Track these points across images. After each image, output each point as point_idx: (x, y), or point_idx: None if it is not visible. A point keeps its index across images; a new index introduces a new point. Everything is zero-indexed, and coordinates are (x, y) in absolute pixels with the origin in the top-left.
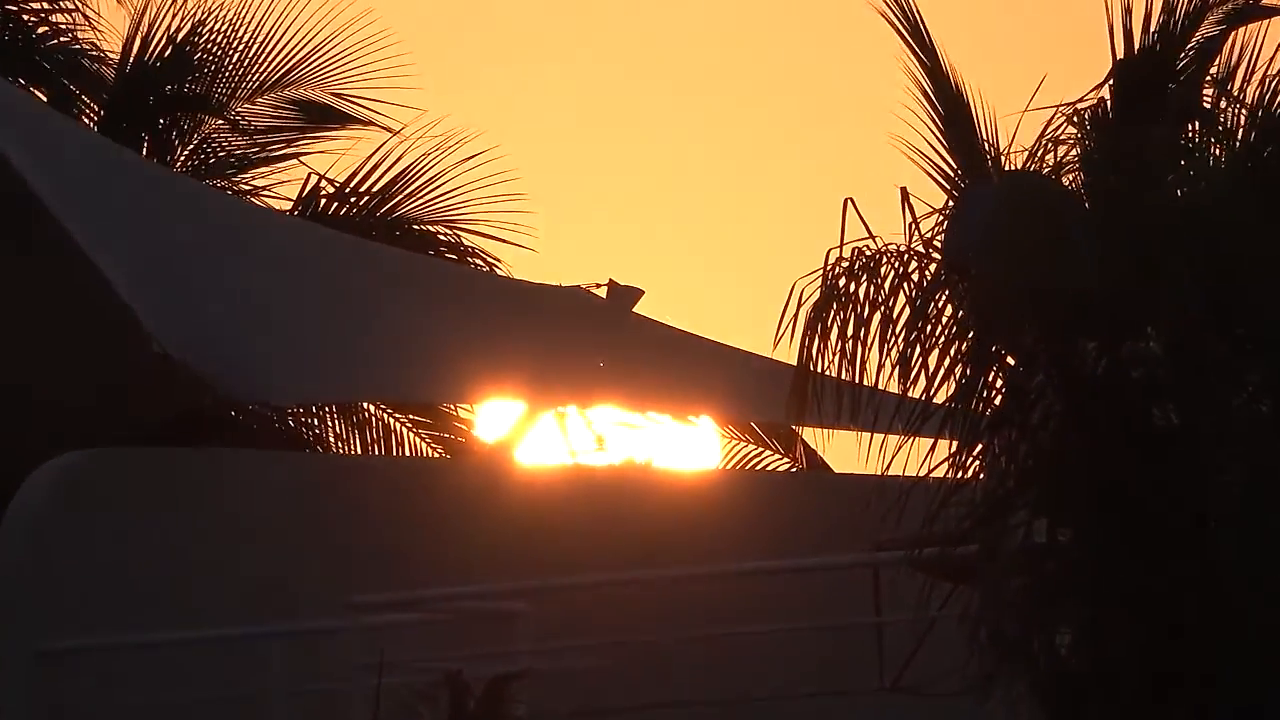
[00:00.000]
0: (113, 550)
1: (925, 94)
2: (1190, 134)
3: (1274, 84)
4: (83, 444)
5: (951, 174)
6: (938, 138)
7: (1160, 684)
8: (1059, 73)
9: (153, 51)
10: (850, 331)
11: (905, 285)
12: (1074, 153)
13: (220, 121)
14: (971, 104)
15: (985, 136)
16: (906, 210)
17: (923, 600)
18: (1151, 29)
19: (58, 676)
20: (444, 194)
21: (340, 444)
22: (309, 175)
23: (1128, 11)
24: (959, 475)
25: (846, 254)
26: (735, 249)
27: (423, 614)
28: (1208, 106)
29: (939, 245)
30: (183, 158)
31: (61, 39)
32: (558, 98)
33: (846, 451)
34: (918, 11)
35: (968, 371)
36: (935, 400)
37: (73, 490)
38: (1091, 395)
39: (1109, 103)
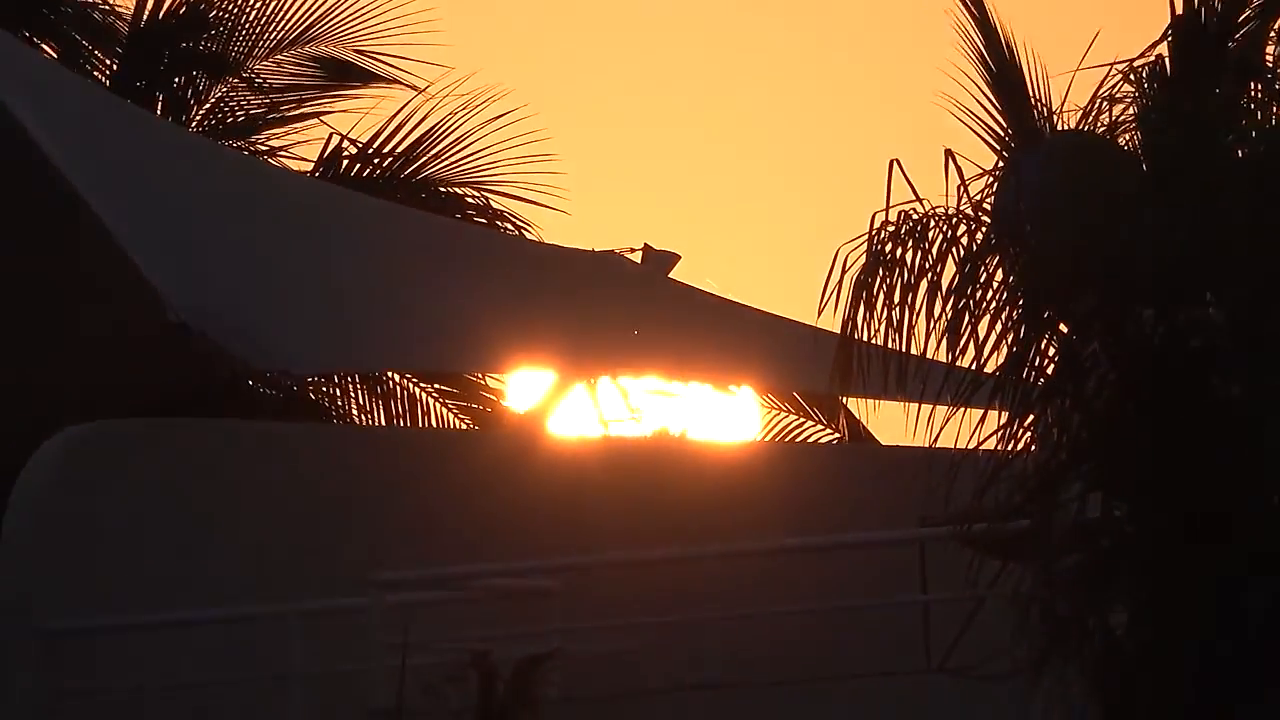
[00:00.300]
0: (122, 527)
1: (975, 51)
2: (1252, 93)
3: None
4: (94, 417)
5: (1001, 135)
6: (987, 97)
7: (1219, 667)
8: (1113, 29)
9: (168, 5)
10: (897, 298)
11: (954, 249)
12: (1130, 112)
13: (237, 80)
14: (1022, 61)
15: (1037, 95)
16: (954, 171)
17: (971, 578)
18: None
19: (63, 657)
20: (471, 155)
21: (364, 415)
22: (330, 136)
23: None
24: (1009, 448)
25: (892, 218)
26: (775, 212)
27: (449, 592)
28: (1270, 64)
29: (989, 208)
30: (198, 117)
31: None
32: (589, 55)
33: (893, 423)
34: None
35: (1019, 339)
36: (985, 369)
37: (81, 464)
38: (1148, 365)
39: (1167, 60)
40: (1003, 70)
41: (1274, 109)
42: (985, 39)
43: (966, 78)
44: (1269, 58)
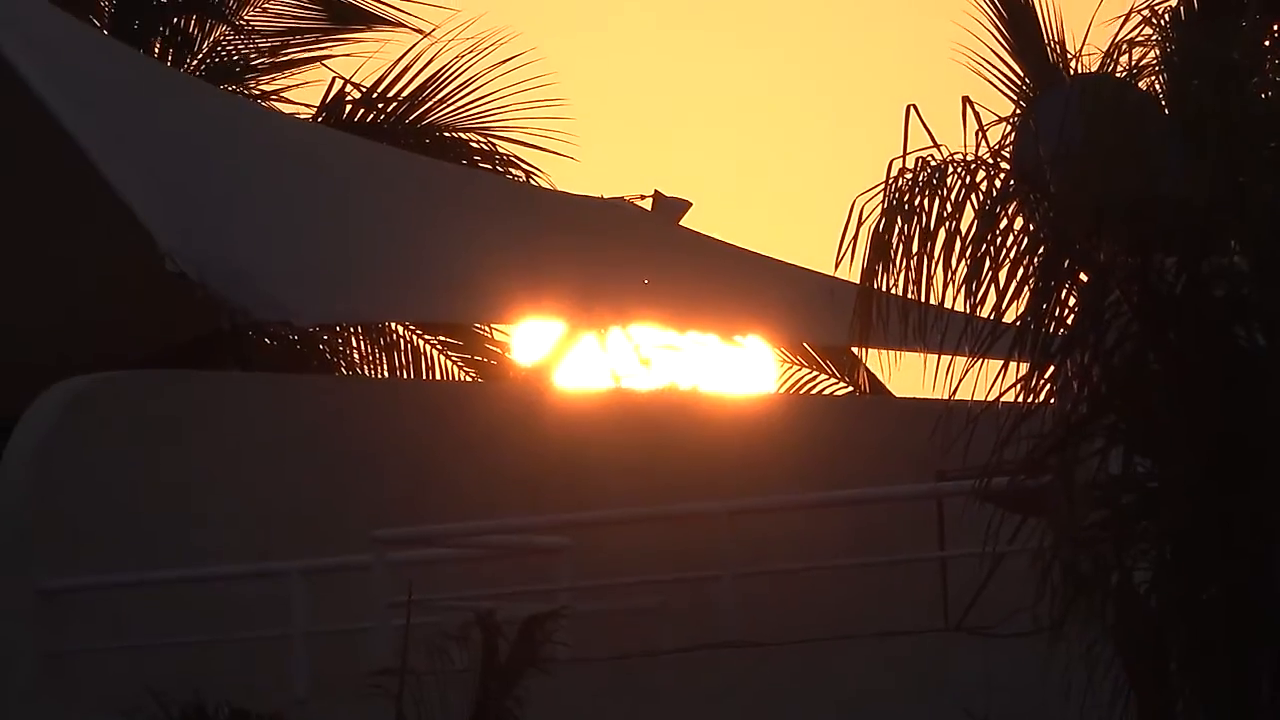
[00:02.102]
0: (122, 481)
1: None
2: (1276, 33)
3: None
4: (92, 368)
5: (1018, 82)
6: (1003, 43)
7: (1246, 624)
8: None
9: None
10: (915, 247)
11: (973, 197)
12: (1152, 55)
13: (238, 22)
14: (1038, 7)
15: (1053, 41)
16: (972, 120)
17: (990, 534)
18: None
19: (60, 616)
20: (478, 99)
21: (366, 366)
22: (333, 80)
23: None
24: (1030, 400)
25: (910, 165)
26: (789, 159)
27: (454, 549)
28: None
29: (1008, 155)
30: (196, 61)
31: None
32: None
33: (910, 375)
34: None
35: (1039, 289)
36: (1005, 320)
37: (80, 417)
38: (1171, 314)
39: (1190, 1)
40: (1017, 17)
41: None
42: None
43: (982, 26)
44: None
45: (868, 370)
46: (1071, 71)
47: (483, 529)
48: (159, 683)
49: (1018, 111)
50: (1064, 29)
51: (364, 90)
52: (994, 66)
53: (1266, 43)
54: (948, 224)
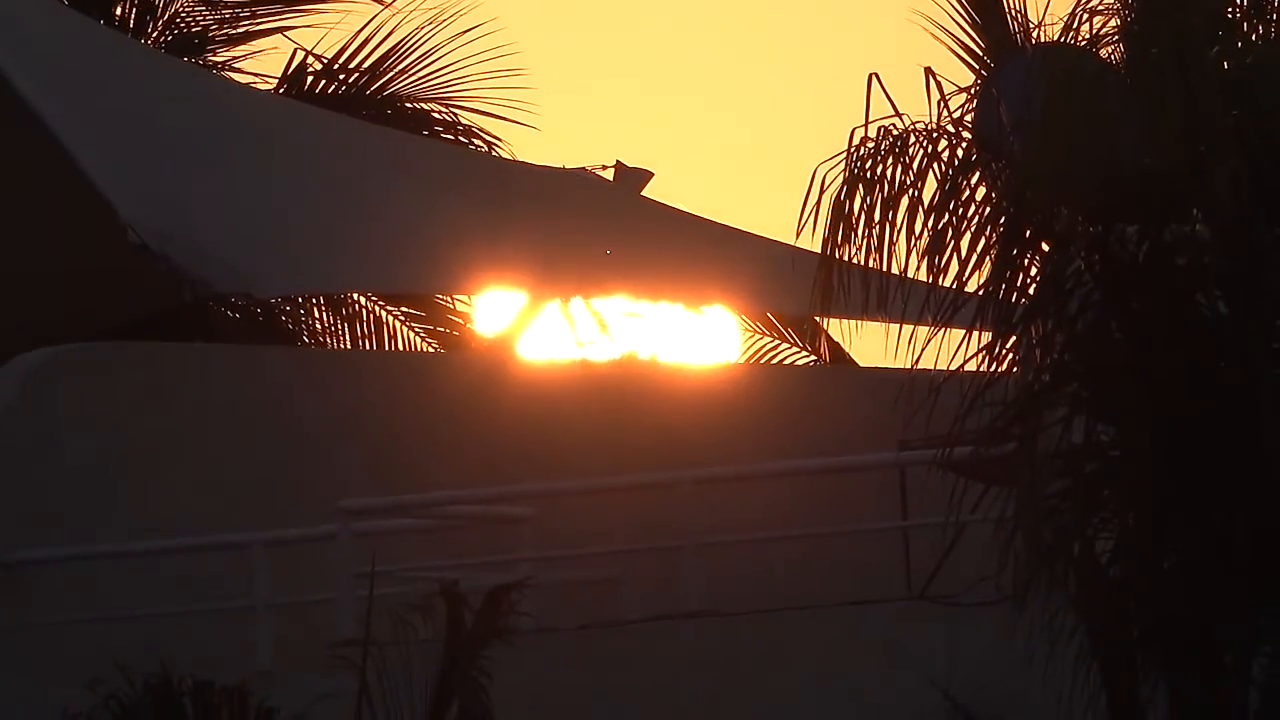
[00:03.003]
0: (85, 453)
1: None
2: (1237, 2)
3: None
4: (52, 341)
5: (978, 53)
6: (961, 14)
7: (1208, 593)
8: None
9: None
10: (877, 216)
11: (935, 166)
12: (1112, 24)
13: None
14: None
15: (1014, 9)
16: (934, 89)
17: (953, 503)
18: None
19: (23, 589)
20: (439, 70)
21: (328, 337)
22: (294, 51)
23: None
24: (992, 369)
25: (872, 134)
26: (750, 129)
27: (418, 520)
28: None
29: (970, 124)
30: (154, 33)
31: None
32: None
33: (873, 344)
34: None
35: (1001, 258)
36: (967, 289)
37: (41, 390)
38: (1132, 282)
39: None
40: None
41: (1260, 17)
42: None
43: None
44: None
45: (830, 339)
46: (1029, 40)
47: (446, 499)
48: (123, 654)
49: (979, 81)
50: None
51: (325, 61)
52: (954, 35)
53: (1227, 11)
54: (909, 192)
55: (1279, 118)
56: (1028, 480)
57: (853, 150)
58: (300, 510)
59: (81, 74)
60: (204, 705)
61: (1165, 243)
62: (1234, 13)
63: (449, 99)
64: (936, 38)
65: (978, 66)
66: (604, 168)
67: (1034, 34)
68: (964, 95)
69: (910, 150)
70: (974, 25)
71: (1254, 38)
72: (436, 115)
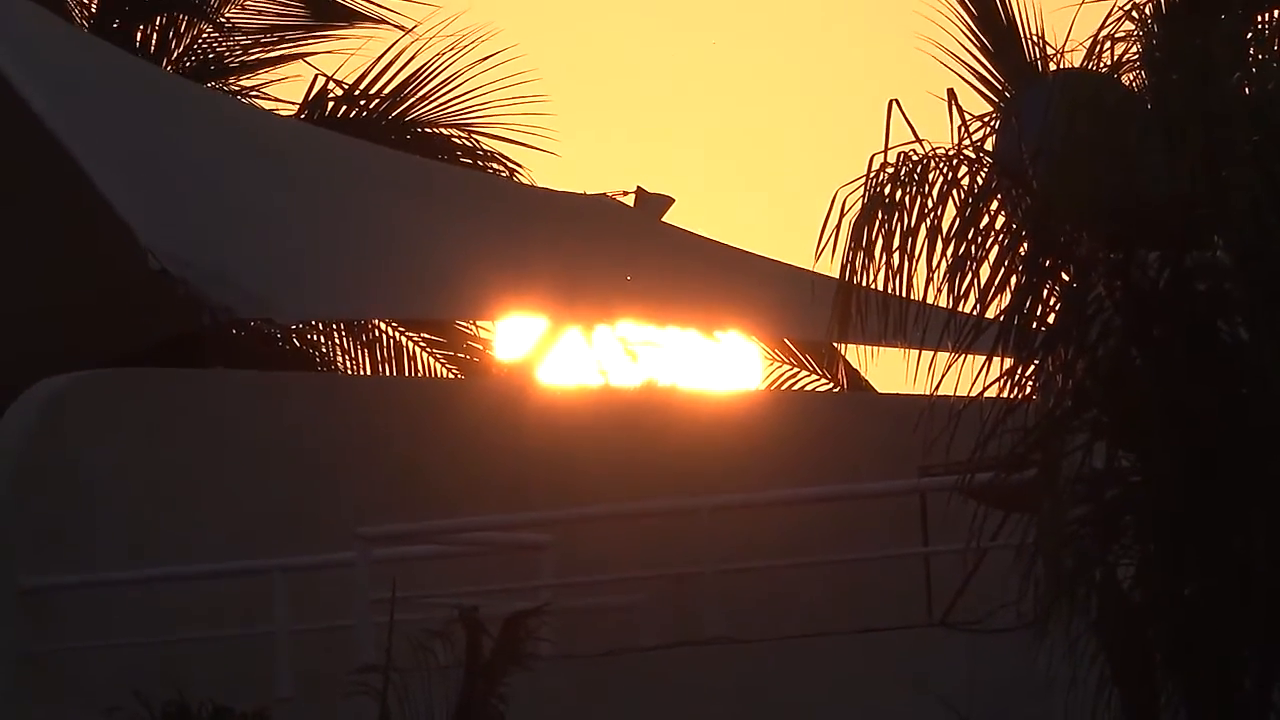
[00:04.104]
0: (103, 479)
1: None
2: (1261, 25)
3: None
4: (71, 367)
5: (993, 81)
6: (974, 42)
7: (1229, 619)
8: None
9: None
10: (896, 242)
11: (955, 192)
12: (1133, 50)
13: (218, 19)
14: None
15: (1029, 36)
16: (955, 115)
17: (974, 530)
18: None
19: (42, 616)
20: (459, 96)
21: (348, 363)
22: (315, 77)
23: None
24: (1013, 395)
25: (891, 159)
26: (770, 156)
27: (437, 546)
28: None
29: (990, 150)
30: (177, 57)
31: None
32: None
33: (892, 371)
34: None
35: (1021, 284)
36: (987, 315)
37: (61, 415)
38: (1154, 309)
39: None
40: (988, 17)
41: None
42: None
43: (955, 26)
44: None
45: (849, 365)
46: (1053, 67)
47: (466, 526)
48: (141, 682)
49: (1001, 105)
50: (1041, 22)
51: (346, 87)
52: (968, 65)
53: (1248, 36)
54: (929, 218)
55: None
56: (1049, 506)
57: (872, 175)
58: (319, 536)
59: (101, 99)
60: None
61: (1186, 269)
62: (1254, 38)
63: (469, 125)
64: (950, 68)
65: (993, 95)
66: (624, 193)
67: (1054, 61)
68: (983, 122)
69: (930, 177)
70: (987, 53)
71: (1275, 64)
72: (457, 141)
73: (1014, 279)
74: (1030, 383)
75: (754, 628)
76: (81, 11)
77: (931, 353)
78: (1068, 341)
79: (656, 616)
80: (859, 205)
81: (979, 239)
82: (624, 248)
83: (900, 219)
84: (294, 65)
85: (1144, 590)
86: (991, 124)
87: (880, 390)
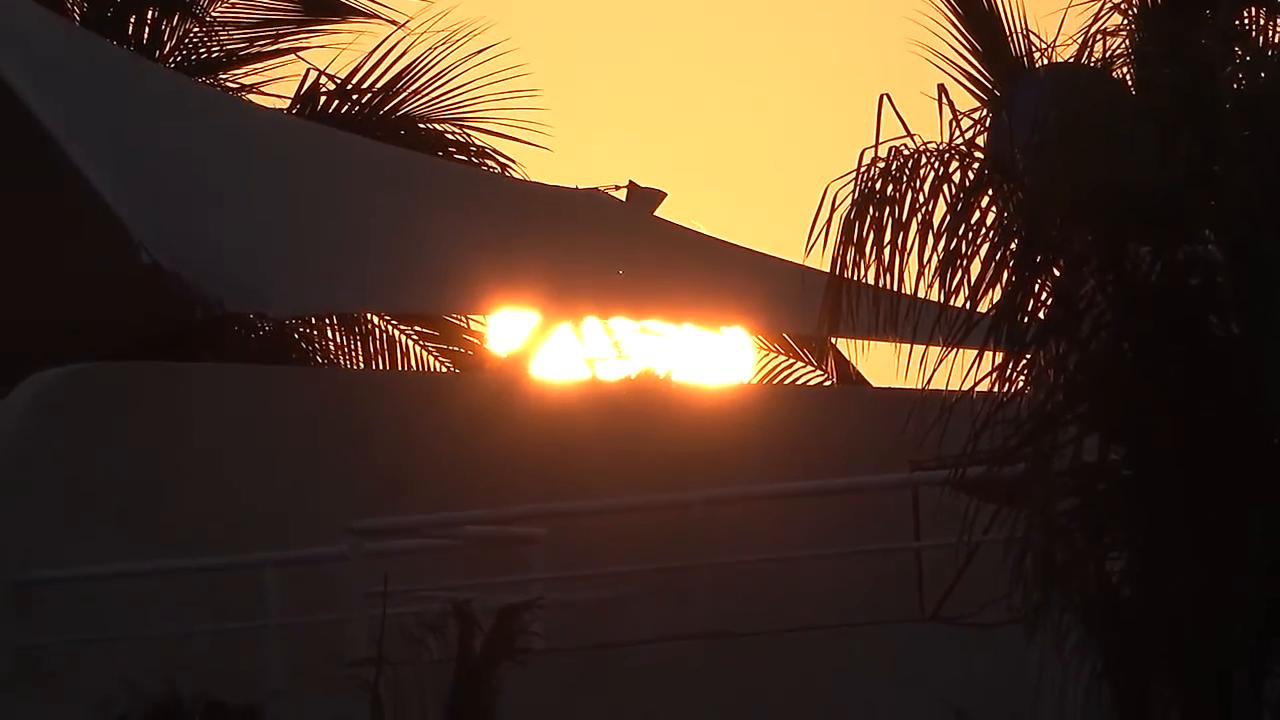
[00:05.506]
0: (96, 473)
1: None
2: (1249, 19)
3: None
4: (65, 361)
5: (980, 78)
6: (961, 40)
7: (1219, 613)
8: None
9: None
10: (888, 236)
11: (946, 187)
12: (1124, 45)
13: (211, 14)
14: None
15: (1013, 30)
16: (946, 109)
17: (966, 524)
18: None
19: (35, 609)
20: (452, 90)
21: (341, 357)
22: (307, 71)
23: None
24: (1004, 390)
25: (883, 154)
26: (761, 151)
27: (430, 540)
28: None
29: (981, 145)
30: (169, 51)
31: None
32: None
33: (884, 365)
34: None
35: (1013, 279)
36: (979, 310)
37: (53, 410)
38: (1145, 303)
39: None
40: (974, 15)
41: (1271, 36)
42: None
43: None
44: None
45: (841, 358)
46: (1042, 62)
47: (459, 519)
48: (134, 675)
49: (993, 99)
50: (1025, 18)
51: (338, 82)
52: (957, 65)
53: (1238, 29)
54: (920, 213)
55: None
56: (1040, 500)
57: (863, 170)
58: (313, 530)
59: (95, 94)
60: None
61: (1178, 263)
62: (1246, 29)
63: (462, 120)
64: (939, 67)
65: (982, 94)
66: (616, 188)
67: (1043, 56)
68: (975, 116)
69: (921, 172)
70: (976, 53)
71: (1267, 53)
72: (450, 136)
73: (1005, 274)
74: (1022, 377)
75: (746, 621)
76: (74, 7)
77: (923, 347)
78: (1059, 336)
79: (649, 610)
80: (850, 200)
81: (970, 234)
82: (616, 242)
83: (891, 213)
84: (287, 60)
85: (1134, 584)
86: (982, 120)
87: (874, 382)
